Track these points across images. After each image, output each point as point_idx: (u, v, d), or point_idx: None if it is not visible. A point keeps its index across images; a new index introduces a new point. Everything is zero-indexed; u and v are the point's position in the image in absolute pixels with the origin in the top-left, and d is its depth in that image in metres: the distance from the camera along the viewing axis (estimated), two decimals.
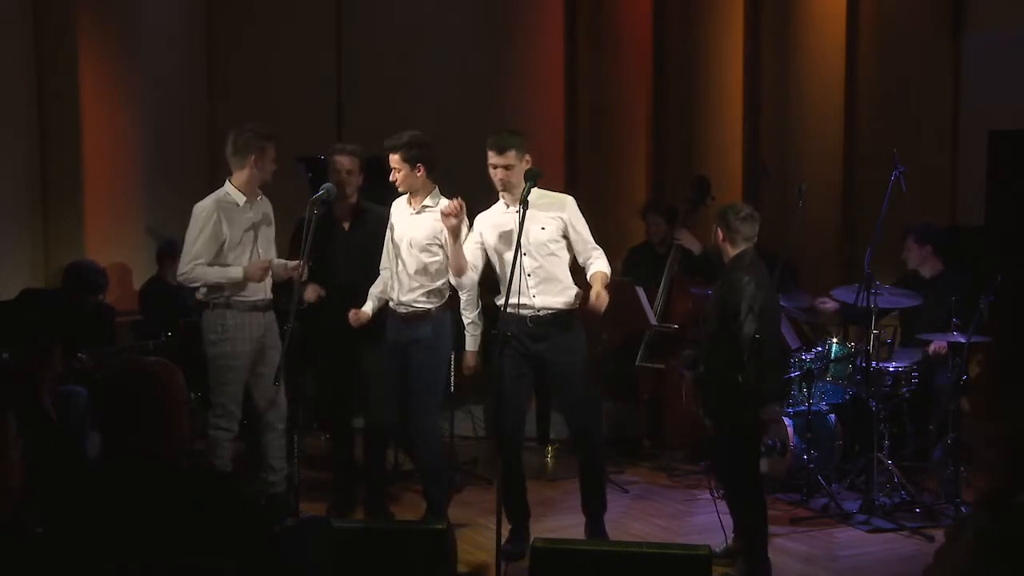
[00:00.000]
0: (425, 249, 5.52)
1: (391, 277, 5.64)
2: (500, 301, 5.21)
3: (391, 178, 5.55)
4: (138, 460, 2.77)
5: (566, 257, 5.36)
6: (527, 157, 5.34)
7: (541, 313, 5.31)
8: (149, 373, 2.85)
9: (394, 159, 5.51)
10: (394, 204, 5.70)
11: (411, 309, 5.55)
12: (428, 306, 5.53)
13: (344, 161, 5.85)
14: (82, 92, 7.14)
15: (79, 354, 6.12)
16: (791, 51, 8.22)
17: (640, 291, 6.56)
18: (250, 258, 5.68)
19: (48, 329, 5.91)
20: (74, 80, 7.11)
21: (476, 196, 5.86)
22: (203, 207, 5.64)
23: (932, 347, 6.60)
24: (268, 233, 5.79)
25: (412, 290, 5.55)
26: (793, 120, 8.23)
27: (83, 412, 5.99)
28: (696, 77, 8.63)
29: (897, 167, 6.27)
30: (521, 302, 5.25)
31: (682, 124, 8.77)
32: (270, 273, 5.70)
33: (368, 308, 5.72)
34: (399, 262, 5.58)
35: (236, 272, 5.61)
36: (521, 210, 5.07)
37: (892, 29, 7.93)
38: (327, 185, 5.64)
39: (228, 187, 5.68)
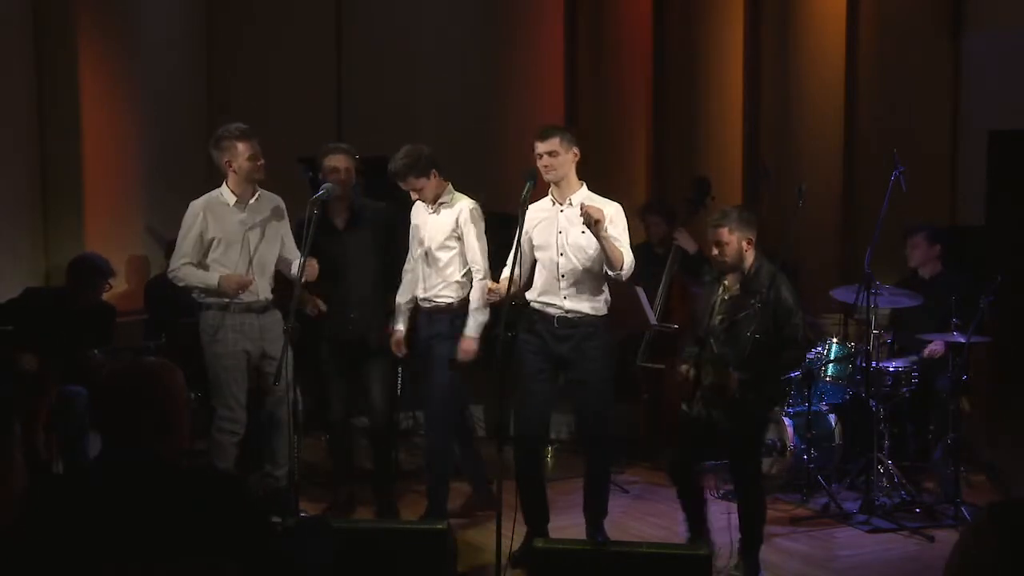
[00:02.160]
0: (443, 246, 5.66)
1: (418, 276, 5.78)
2: (529, 297, 5.32)
3: (415, 199, 5.71)
4: (138, 460, 2.77)
5: (602, 264, 5.31)
6: (575, 151, 5.33)
7: (569, 315, 5.30)
8: (149, 373, 2.85)
9: (410, 182, 5.63)
10: (413, 208, 5.82)
11: (433, 304, 5.70)
12: (449, 300, 5.67)
13: (342, 160, 5.86)
14: (82, 92, 7.13)
15: (95, 351, 6.13)
16: (791, 51, 8.22)
17: (640, 291, 6.55)
18: (239, 259, 5.67)
19: (44, 365, 5.96)
20: (74, 80, 7.10)
21: (476, 195, 5.88)
22: (192, 206, 5.73)
23: (928, 350, 6.60)
24: (271, 233, 5.77)
25: (434, 286, 5.71)
26: (793, 120, 8.23)
27: (83, 412, 6.00)
28: (696, 77, 8.62)
29: (897, 167, 6.27)
30: (549, 301, 5.30)
31: (682, 124, 8.76)
32: (270, 279, 5.73)
33: (400, 325, 5.87)
34: (422, 261, 5.74)
35: (212, 280, 5.63)
36: (521, 211, 5.06)
37: (892, 29, 7.93)
38: (327, 185, 5.65)
39: (223, 187, 5.73)
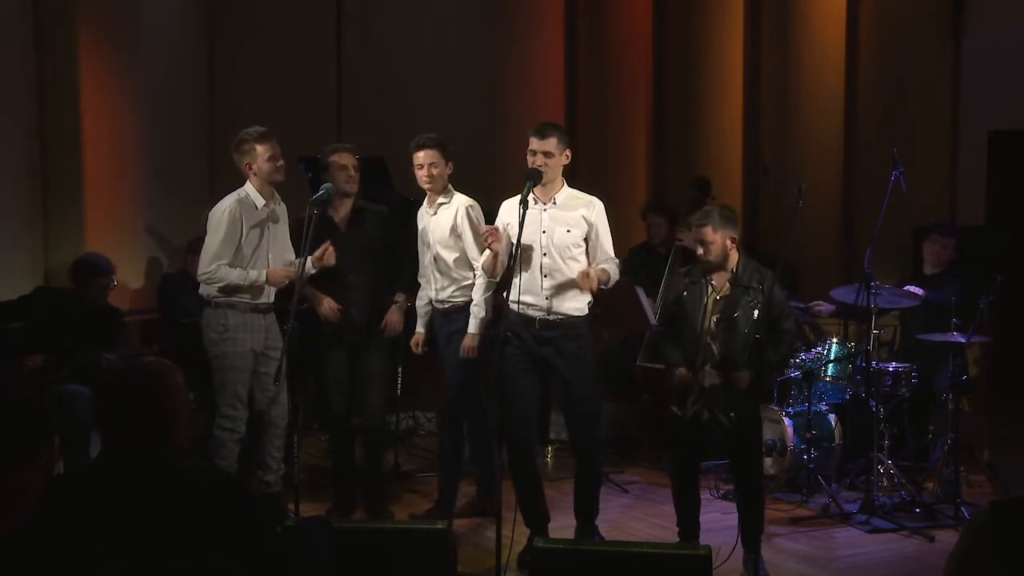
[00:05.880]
0: (447, 245, 5.71)
1: (429, 279, 5.83)
2: (510, 298, 5.21)
3: (425, 174, 5.69)
4: (138, 460, 2.77)
5: (586, 263, 5.25)
6: (567, 152, 5.30)
7: (551, 317, 5.24)
8: (149, 373, 2.85)
9: (431, 154, 5.66)
10: (418, 215, 5.89)
11: (450, 304, 5.75)
12: (464, 299, 5.70)
13: (350, 158, 5.88)
14: (82, 92, 7.11)
15: (105, 356, 6.13)
16: (791, 51, 8.22)
17: (640, 291, 6.56)
18: (264, 260, 5.68)
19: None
20: (74, 80, 7.09)
21: (477, 195, 5.89)
22: (224, 207, 5.65)
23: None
24: (282, 235, 5.81)
25: (446, 286, 5.76)
26: (793, 120, 8.24)
27: (85, 412, 5.99)
28: (696, 77, 8.63)
29: (897, 167, 6.27)
30: (531, 302, 5.23)
31: (682, 124, 8.77)
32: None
33: (420, 327, 5.95)
34: (432, 265, 5.79)
35: (259, 276, 5.63)
36: (521, 210, 5.02)
37: (892, 29, 7.93)
38: (327, 185, 5.66)
39: (248, 188, 5.70)
